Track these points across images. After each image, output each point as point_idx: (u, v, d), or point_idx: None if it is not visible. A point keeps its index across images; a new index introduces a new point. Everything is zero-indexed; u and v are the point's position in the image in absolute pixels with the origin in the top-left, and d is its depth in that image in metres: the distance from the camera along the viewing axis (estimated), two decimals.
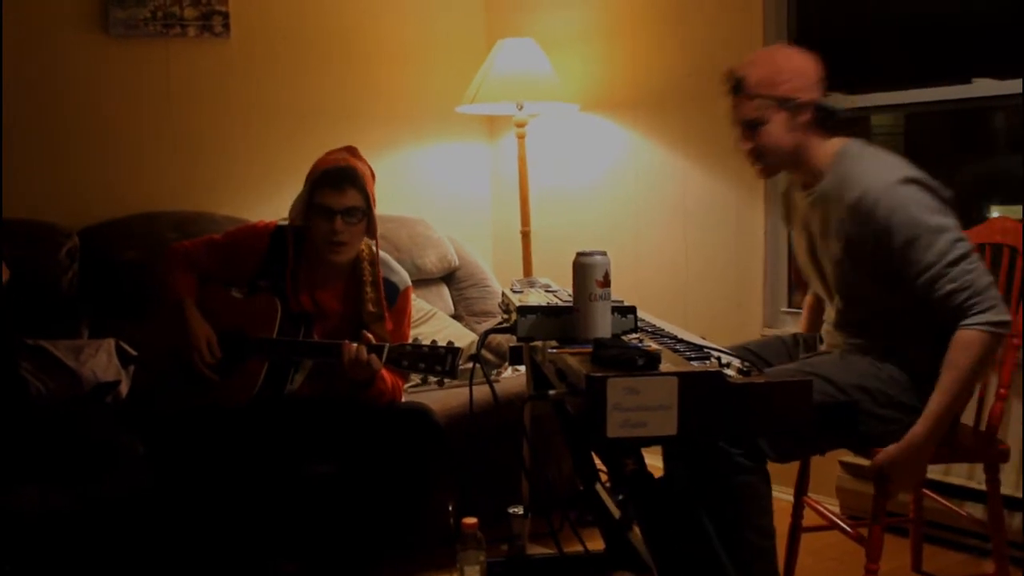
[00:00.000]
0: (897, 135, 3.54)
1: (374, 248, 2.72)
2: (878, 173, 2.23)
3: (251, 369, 2.58)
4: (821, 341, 2.57)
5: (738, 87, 2.33)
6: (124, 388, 2.88)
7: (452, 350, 2.46)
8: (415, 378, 3.07)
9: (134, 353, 2.94)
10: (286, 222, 2.71)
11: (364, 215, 2.61)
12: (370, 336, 2.51)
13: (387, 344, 2.50)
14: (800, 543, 2.72)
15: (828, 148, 2.33)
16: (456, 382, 2.64)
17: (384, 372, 2.55)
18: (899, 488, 2.32)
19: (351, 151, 2.69)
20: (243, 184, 3.74)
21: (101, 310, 3.17)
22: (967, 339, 2.12)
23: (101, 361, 2.91)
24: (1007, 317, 2.14)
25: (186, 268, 2.71)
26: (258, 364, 2.59)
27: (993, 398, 2.45)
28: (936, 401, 2.16)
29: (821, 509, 2.71)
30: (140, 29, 3.50)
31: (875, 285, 2.28)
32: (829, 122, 2.34)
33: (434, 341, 2.50)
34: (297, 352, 2.62)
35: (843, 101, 2.35)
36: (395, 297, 2.72)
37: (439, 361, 2.46)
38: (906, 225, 2.17)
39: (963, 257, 2.15)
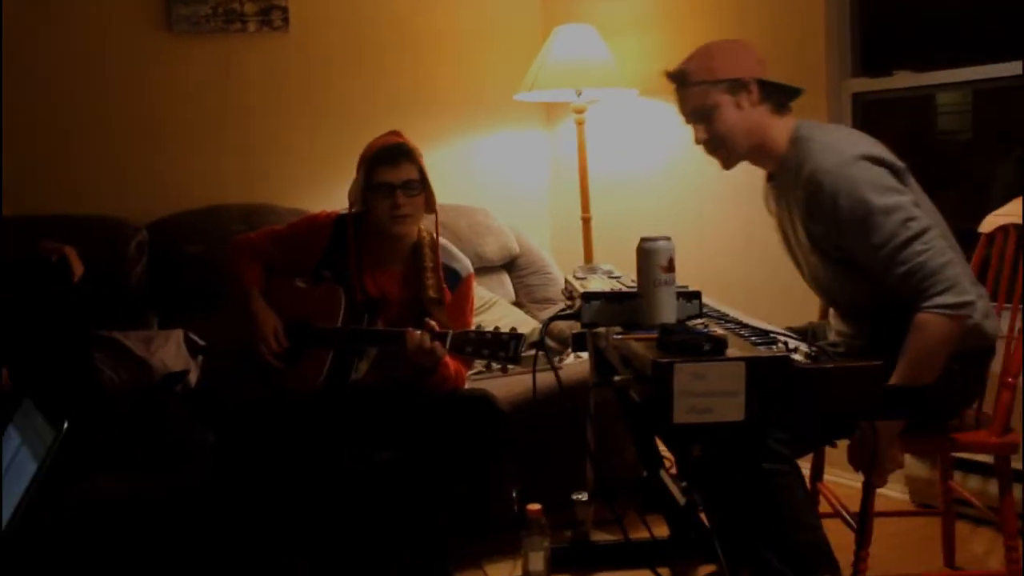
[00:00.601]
0: (964, 113, 3.46)
1: (434, 234, 2.73)
2: (827, 153, 2.18)
3: (316, 358, 2.61)
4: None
5: (682, 80, 2.33)
6: (193, 377, 2.94)
7: (515, 336, 2.46)
8: (478, 365, 3.08)
9: (202, 343, 2.99)
10: (347, 212, 2.73)
11: (422, 188, 2.64)
12: (433, 324, 2.52)
13: (451, 331, 2.51)
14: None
15: (783, 131, 2.30)
16: (519, 368, 2.64)
17: (447, 359, 2.57)
18: (875, 476, 2.25)
19: (396, 134, 2.72)
20: (304, 176, 3.78)
21: (169, 302, 3.23)
22: (920, 322, 2.07)
23: (170, 351, 2.97)
24: (963, 298, 2.06)
25: (251, 259, 2.75)
26: (323, 353, 2.61)
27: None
28: (891, 383, 2.06)
29: (831, 497, 2.65)
30: (202, 25, 3.56)
31: (846, 273, 2.23)
32: (778, 99, 2.31)
33: (497, 327, 2.50)
34: (362, 340, 2.64)
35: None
36: (457, 284, 2.74)
37: (502, 347, 2.46)
38: (854, 206, 2.11)
39: (914, 238, 2.08)
